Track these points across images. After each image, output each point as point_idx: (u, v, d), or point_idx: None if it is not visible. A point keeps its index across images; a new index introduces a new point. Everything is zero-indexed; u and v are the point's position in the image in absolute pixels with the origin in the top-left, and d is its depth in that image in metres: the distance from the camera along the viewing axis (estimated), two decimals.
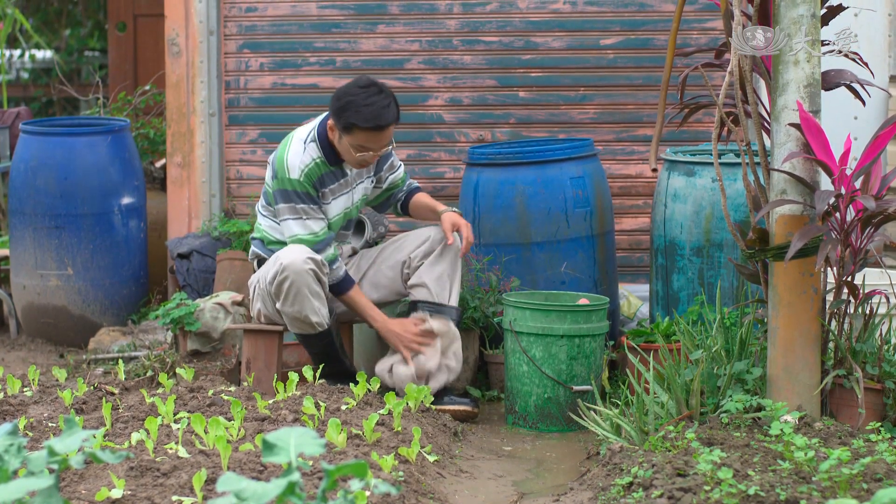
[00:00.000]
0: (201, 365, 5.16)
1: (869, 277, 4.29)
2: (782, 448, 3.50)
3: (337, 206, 4.74)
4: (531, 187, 5.21)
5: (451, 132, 6.11)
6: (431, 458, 3.98)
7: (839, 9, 3.97)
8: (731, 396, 3.95)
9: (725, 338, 4.20)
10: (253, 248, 4.88)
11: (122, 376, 4.85)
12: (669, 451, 3.66)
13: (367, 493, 3.22)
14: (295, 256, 4.53)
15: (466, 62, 6.08)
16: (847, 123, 5.24)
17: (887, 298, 4.09)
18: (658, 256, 5.13)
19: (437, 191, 5.91)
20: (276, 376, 4.64)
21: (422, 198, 4.98)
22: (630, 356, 4.37)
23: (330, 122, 4.63)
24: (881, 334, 4.08)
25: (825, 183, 3.93)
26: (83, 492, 3.29)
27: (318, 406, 4.18)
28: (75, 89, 8.52)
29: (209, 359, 5.30)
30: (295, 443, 2.23)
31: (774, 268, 3.87)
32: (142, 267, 6.17)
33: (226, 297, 5.46)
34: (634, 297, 5.69)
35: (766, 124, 4.02)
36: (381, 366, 4.77)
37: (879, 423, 3.75)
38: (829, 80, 3.98)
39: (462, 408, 4.71)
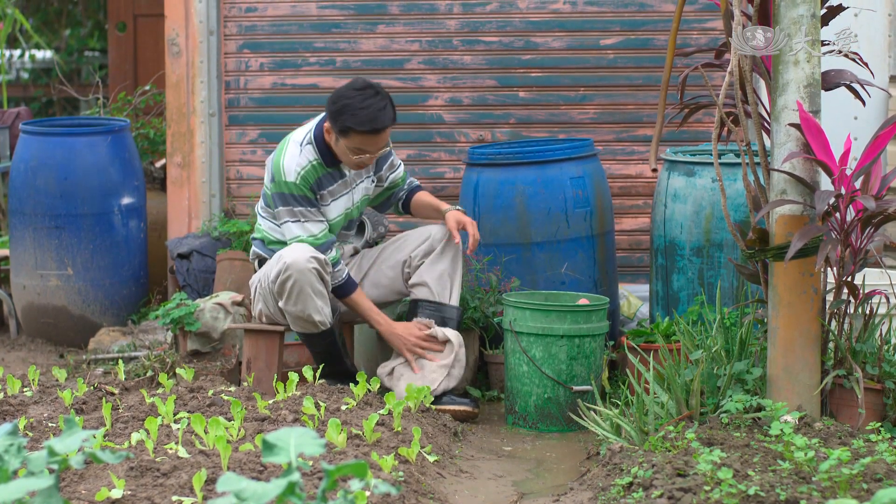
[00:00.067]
0: (201, 365, 5.16)
1: (869, 277, 4.29)
2: (782, 448, 3.50)
3: (337, 208, 4.74)
4: (531, 187, 5.21)
5: (451, 132, 6.11)
6: (431, 459, 3.98)
7: (839, 9, 3.97)
8: (731, 396, 3.95)
9: (725, 338, 4.20)
10: (254, 249, 4.88)
11: (122, 376, 4.85)
12: (669, 451, 3.66)
13: (367, 494, 3.22)
14: (298, 255, 4.53)
15: (466, 62, 6.08)
16: (847, 123, 5.24)
17: (887, 298, 4.09)
18: (658, 256, 5.13)
19: (437, 191, 5.91)
20: (276, 376, 4.64)
21: (424, 196, 4.98)
22: (630, 356, 4.37)
23: (326, 124, 4.62)
24: (881, 334, 4.08)
25: (825, 183, 3.93)
26: (83, 492, 3.29)
27: (318, 406, 4.18)
28: (75, 89, 8.52)
29: (209, 359, 5.30)
30: (295, 443, 2.23)
31: (774, 268, 3.87)
32: (142, 267, 6.17)
33: (226, 297, 5.46)
34: (634, 298, 5.69)
35: (766, 124, 4.02)
36: (383, 369, 4.77)
37: (879, 424, 3.75)
38: (829, 81, 3.98)
39: (462, 408, 4.71)
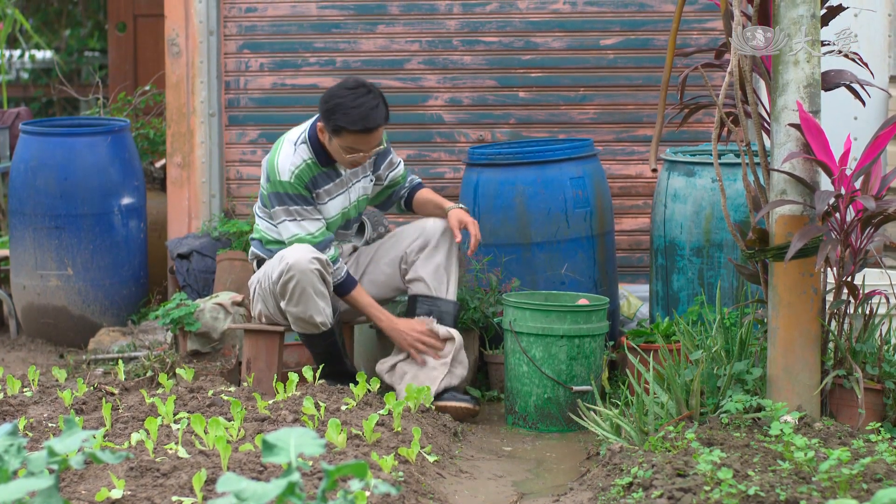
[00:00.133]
0: (201, 365, 5.16)
1: (869, 278, 4.29)
2: (782, 448, 3.50)
3: (334, 207, 4.74)
4: (531, 187, 5.21)
5: (451, 132, 6.11)
6: (431, 459, 3.98)
7: (839, 9, 3.97)
8: (730, 397, 3.95)
9: (725, 338, 4.20)
10: (252, 249, 4.88)
11: (121, 377, 4.85)
12: (669, 451, 3.66)
13: (367, 494, 3.22)
14: (300, 256, 4.53)
15: (466, 62, 6.08)
16: (847, 124, 5.24)
17: (887, 299, 4.09)
18: (658, 257, 5.13)
19: (437, 191, 5.90)
20: (276, 376, 4.64)
21: (426, 194, 4.97)
22: (630, 356, 4.37)
23: (320, 124, 4.62)
24: (881, 334, 4.08)
25: (825, 183, 3.93)
26: (83, 492, 3.29)
27: (317, 406, 4.18)
28: (75, 89, 8.52)
29: (209, 359, 5.30)
30: (295, 443, 2.23)
31: (774, 268, 3.87)
32: (142, 267, 6.17)
33: (226, 297, 5.46)
34: (634, 298, 5.69)
35: (765, 124, 4.02)
36: (382, 365, 4.77)
37: (879, 424, 3.75)
38: (829, 81, 3.98)
39: (463, 405, 4.70)
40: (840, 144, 3.89)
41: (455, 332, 4.74)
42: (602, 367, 4.76)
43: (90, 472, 3.46)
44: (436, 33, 6.10)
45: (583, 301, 4.86)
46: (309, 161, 4.65)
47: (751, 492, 3.14)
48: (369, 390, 4.47)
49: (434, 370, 4.70)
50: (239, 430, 3.84)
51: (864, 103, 4.11)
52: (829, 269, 3.92)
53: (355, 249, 4.98)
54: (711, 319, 4.42)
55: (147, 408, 4.20)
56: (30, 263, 6.03)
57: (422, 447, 4.00)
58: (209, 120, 6.20)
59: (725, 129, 4.15)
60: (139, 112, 7.41)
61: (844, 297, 3.93)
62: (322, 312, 4.59)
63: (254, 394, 4.31)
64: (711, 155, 4.54)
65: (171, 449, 3.66)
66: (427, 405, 4.50)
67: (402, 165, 4.97)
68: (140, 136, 7.10)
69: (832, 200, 3.78)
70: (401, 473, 3.60)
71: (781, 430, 3.66)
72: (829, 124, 4.01)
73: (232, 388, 4.52)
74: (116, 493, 3.23)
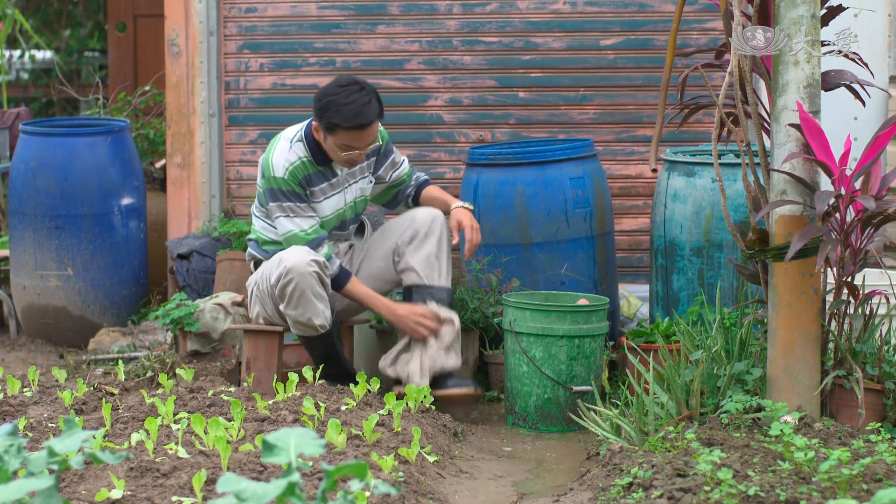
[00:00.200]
0: (201, 365, 5.16)
1: (869, 278, 4.29)
2: (782, 448, 3.50)
3: (328, 206, 4.73)
4: (531, 188, 5.21)
5: (451, 132, 6.11)
6: (431, 459, 3.98)
7: (839, 9, 3.97)
8: (730, 397, 3.95)
9: (725, 338, 4.20)
10: (249, 250, 4.88)
11: (121, 377, 4.85)
12: (669, 451, 3.66)
13: (367, 494, 3.22)
14: (298, 259, 4.52)
15: (466, 62, 6.08)
16: (847, 124, 5.24)
17: (887, 299, 4.09)
18: (658, 257, 5.13)
19: None
20: (276, 377, 4.64)
21: (433, 191, 4.96)
22: (630, 356, 4.37)
23: (315, 123, 4.63)
24: (881, 335, 4.08)
25: (825, 183, 3.93)
26: (83, 492, 3.29)
27: (317, 406, 4.18)
28: (75, 90, 8.52)
29: (209, 359, 5.30)
30: (295, 443, 2.23)
31: (774, 268, 3.87)
32: (142, 267, 6.17)
33: (226, 297, 5.46)
34: (634, 298, 5.69)
35: (765, 125, 4.02)
36: (385, 360, 4.75)
37: (879, 424, 3.75)
38: (829, 81, 3.98)
39: (465, 391, 4.68)
40: (840, 144, 3.89)
41: (454, 315, 4.72)
42: (602, 368, 4.76)
43: (90, 473, 3.46)
44: (436, 33, 6.10)
45: (583, 301, 4.86)
46: (304, 159, 4.65)
47: (751, 492, 3.14)
48: (369, 390, 4.47)
49: (437, 352, 4.67)
50: (239, 431, 3.84)
51: (864, 103, 4.11)
52: (829, 269, 3.92)
53: (351, 247, 4.97)
54: (711, 320, 4.42)
55: (147, 408, 4.20)
56: (30, 264, 6.03)
57: (422, 447, 4.00)
58: (209, 120, 6.20)
59: (725, 129, 4.15)
60: (139, 112, 7.41)
61: (844, 297, 3.93)
62: (321, 315, 4.58)
63: (254, 394, 4.31)
64: (711, 155, 4.54)
65: (171, 449, 3.66)
66: (427, 405, 4.50)
67: (406, 164, 4.96)
68: (140, 137, 7.10)
69: (832, 201, 3.78)
70: (401, 474, 3.60)
71: (781, 430, 3.66)
72: (829, 124, 4.01)
73: (232, 389, 4.52)
74: (116, 494, 3.23)
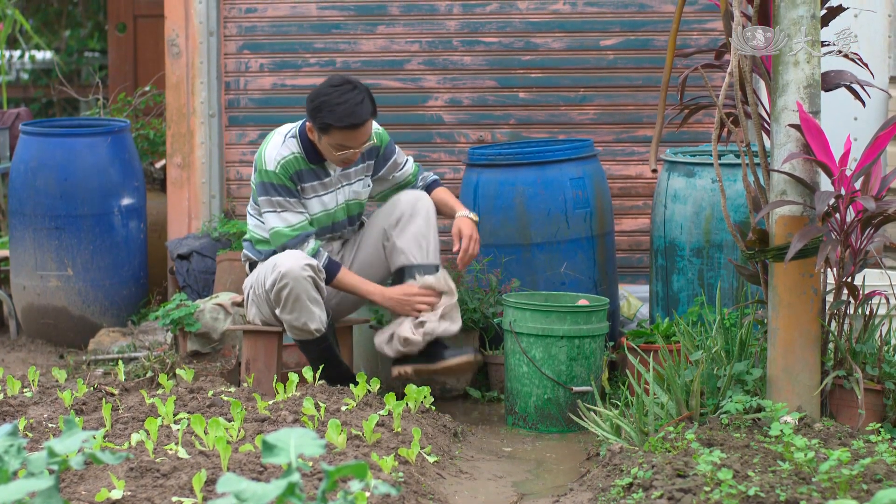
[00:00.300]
0: (201, 366, 5.16)
1: (869, 278, 4.29)
2: (782, 449, 3.50)
3: (317, 205, 4.72)
4: (531, 188, 5.21)
5: (451, 133, 6.11)
6: (431, 459, 3.98)
7: (839, 10, 3.97)
8: (730, 397, 3.94)
9: (725, 339, 4.20)
10: (244, 250, 4.87)
11: (121, 377, 4.85)
12: (669, 451, 3.66)
13: (367, 494, 3.22)
14: (293, 263, 4.52)
15: (466, 63, 6.08)
16: (847, 124, 5.24)
17: (887, 299, 4.09)
18: (658, 257, 5.13)
19: None
20: (275, 377, 4.64)
21: (440, 195, 4.93)
22: (630, 357, 4.37)
23: (309, 123, 4.63)
24: (881, 335, 4.08)
25: (825, 184, 3.93)
26: (83, 493, 3.29)
27: (317, 407, 4.18)
28: (75, 90, 8.51)
29: (209, 359, 5.30)
30: (295, 444, 2.23)
31: (774, 269, 3.87)
32: (142, 268, 6.17)
33: (226, 297, 5.46)
34: (634, 298, 5.69)
35: (765, 125, 4.02)
36: (381, 336, 4.73)
37: (879, 424, 3.75)
38: (829, 81, 3.98)
39: (463, 359, 4.65)
40: (840, 145, 3.89)
41: (451, 285, 4.69)
42: (602, 368, 4.76)
43: (90, 473, 3.46)
44: (436, 34, 6.10)
45: (583, 302, 4.86)
46: (297, 154, 4.65)
47: (751, 492, 3.14)
48: (369, 391, 4.47)
49: (433, 322, 4.65)
50: (239, 431, 3.84)
51: (864, 104, 4.11)
52: (829, 269, 3.92)
53: (344, 244, 4.95)
54: (711, 320, 4.42)
55: (147, 408, 4.20)
56: (30, 264, 6.03)
57: (422, 448, 4.00)
58: (209, 120, 6.20)
59: (725, 129, 4.15)
60: (139, 113, 7.41)
61: (844, 297, 3.93)
62: (316, 319, 4.58)
63: (254, 394, 4.31)
64: (711, 155, 4.54)
65: (171, 449, 3.66)
66: (427, 405, 4.49)
67: (410, 164, 4.95)
68: (140, 137, 7.10)
69: (832, 201, 3.77)
70: (401, 474, 3.60)
71: (781, 430, 3.66)
72: (829, 125, 4.01)
73: (232, 389, 4.52)
74: (116, 494, 3.23)
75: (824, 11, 3.92)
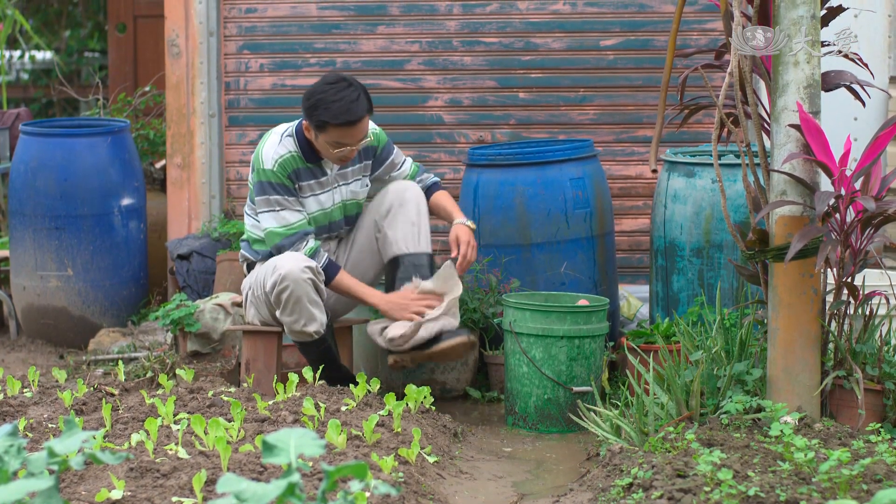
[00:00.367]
0: (201, 366, 5.16)
1: (869, 278, 4.29)
2: (782, 449, 3.50)
3: (314, 204, 4.72)
4: (531, 188, 5.21)
5: (451, 133, 6.11)
6: (431, 460, 3.98)
7: (839, 10, 3.97)
8: (731, 397, 3.94)
9: (725, 339, 4.20)
10: (241, 251, 4.87)
11: (121, 377, 4.85)
12: (669, 452, 3.66)
13: (367, 494, 3.22)
14: (293, 265, 4.52)
15: (466, 63, 6.08)
16: (847, 124, 5.24)
17: (887, 299, 4.09)
18: (658, 257, 5.13)
19: None
20: (275, 377, 4.64)
21: (440, 199, 4.92)
22: (630, 357, 4.37)
23: (305, 122, 4.63)
24: (881, 335, 4.08)
25: (825, 184, 3.93)
26: (83, 493, 3.29)
27: (317, 407, 4.18)
28: (75, 90, 8.52)
29: (209, 360, 5.30)
30: (295, 444, 2.23)
31: (774, 269, 3.87)
32: (142, 268, 6.17)
33: (226, 298, 5.46)
34: (634, 298, 5.69)
35: (765, 125, 4.02)
36: (374, 326, 4.72)
37: (879, 424, 3.75)
38: (829, 81, 3.98)
39: (457, 340, 4.62)
40: (840, 145, 3.89)
41: (455, 280, 4.67)
42: (602, 368, 4.76)
43: (90, 473, 3.46)
44: (436, 34, 6.10)
45: (583, 302, 4.86)
46: (294, 153, 4.65)
47: (751, 492, 3.14)
48: (369, 391, 4.47)
49: (431, 321, 4.64)
50: (239, 431, 3.84)
51: (864, 104, 4.11)
52: (829, 269, 3.92)
53: (340, 242, 4.94)
54: (711, 320, 4.42)
55: (147, 408, 4.20)
56: (30, 264, 6.03)
57: (422, 448, 4.00)
58: (209, 121, 6.20)
59: (725, 129, 4.15)
60: (139, 113, 7.41)
61: (844, 297, 3.93)
62: (316, 321, 4.58)
63: (254, 394, 4.31)
64: (711, 156, 4.54)
65: (171, 449, 3.66)
66: (427, 406, 4.50)
67: (408, 164, 4.95)
68: (140, 137, 7.10)
69: (832, 201, 3.78)
70: (401, 474, 3.60)
71: (781, 430, 3.66)
72: (829, 125, 4.01)
73: (232, 389, 4.52)
74: (116, 494, 3.23)
75: (824, 11, 3.92)
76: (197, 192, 6.20)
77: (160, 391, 4.51)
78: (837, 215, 3.83)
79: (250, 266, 4.83)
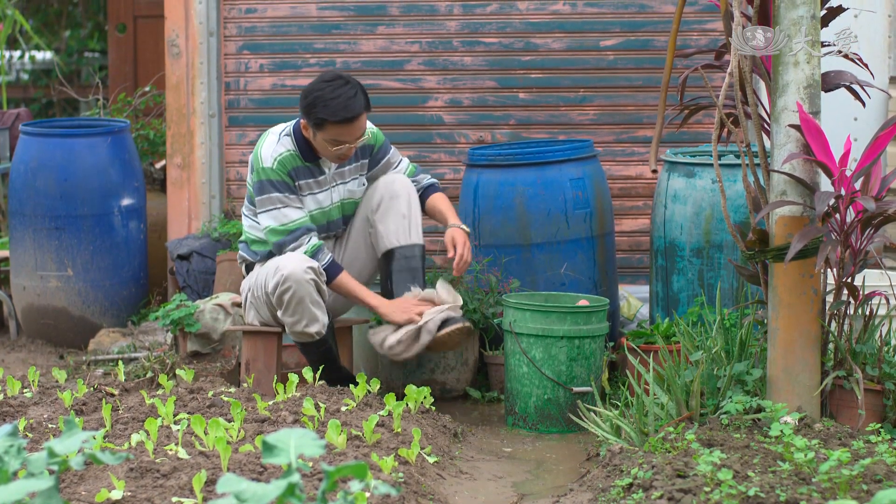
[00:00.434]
0: (201, 366, 5.16)
1: (869, 279, 4.29)
2: (782, 449, 3.50)
3: (311, 203, 4.73)
4: (531, 188, 5.21)
5: (451, 133, 6.11)
6: (431, 460, 3.98)
7: (839, 10, 3.97)
8: (731, 398, 3.94)
9: (725, 339, 4.20)
10: (239, 252, 4.87)
11: (121, 377, 4.85)
12: (669, 452, 3.66)
13: (367, 495, 3.22)
14: (295, 266, 4.52)
15: (466, 63, 6.08)
16: (847, 124, 5.24)
17: (887, 300, 4.09)
18: (658, 258, 5.13)
19: None
20: (275, 377, 4.64)
21: (437, 202, 4.92)
22: (630, 357, 4.37)
23: (303, 121, 4.64)
24: (881, 335, 4.08)
25: (825, 184, 3.93)
26: (83, 493, 3.29)
27: (317, 407, 4.18)
28: (75, 90, 8.52)
29: (209, 360, 5.30)
30: (295, 444, 2.23)
31: (774, 269, 3.87)
32: (142, 268, 6.17)
33: (226, 298, 5.46)
34: (634, 299, 5.69)
35: (765, 125, 4.02)
36: (375, 337, 4.71)
37: (879, 425, 3.75)
38: (829, 82, 3.98)
39: (454, 328, 4.61)
40: (840, 145, 3.89)
41: (455, 295, 4.68)
42: (602, 368, 4.76)
43: (90, 473, 3.46)
44: (436, 34, 6.10)
45: (583, 302, 4.86)
46: (292, 152, 4.66)
47: (751, 493, 3.14)
48: (369, 391, 4.47)
49: (432, 314, 4.64)
50: (239, 431, 3.84)
51: (864, 104, 4.11)
52: (829, 269, 3.92)
53: (336, 240, 4.94)
54: (711, 320, 4.42)
55: (147, 409, 4.20)
56: (30, 264, 6.03)
57: (422, 448, 4.00)
58: (209, 121, 6.20)
59: (725, 130, 4.15)
60: (139, 113, 7.41)
61: (844, 298, 3.93)
62: (318, 321, 4.58)
63: (254, 395, 4.31)
64: (711, 156, 4.54)
65: (171, 450, 3.66)
66: (427, 406, 4.50)
67: (404, 164, 4.95)
68: (140, 137, 7.10)
69: (832, 201, 3.78)
70: (401, 474, 3.60)
71: (781, 430, 3.66)
72: (829, 125, 4.01)
73: (232, 389, 4.52)
74: (116, 494, 3.23)
75: (824, 12, 3.92)
76: (197, 192, 6.20)
77: (160, 391, 4.51)
78: (837, 215, 3.83)
79: (249, 267, 4.83)
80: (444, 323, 4.65)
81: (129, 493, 3.26)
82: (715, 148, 4.04)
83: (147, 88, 7.50)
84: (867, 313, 4.01)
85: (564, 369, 4.67)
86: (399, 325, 4.64)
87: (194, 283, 5.93)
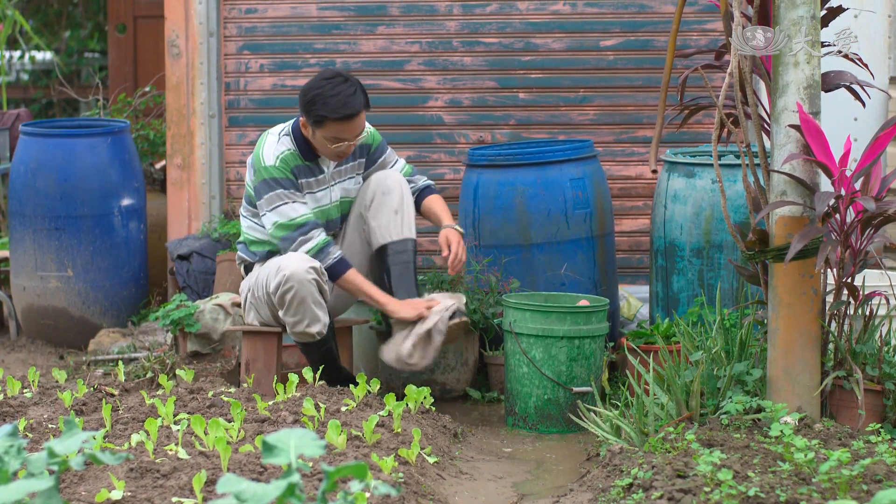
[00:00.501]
0: (201, 366, 5.16)
1: (869, 279, 4.29)
2: (782, 449, 3.50)
3: (311, 202, 4.73)
4: (531, 189, 5.21)
5: (451, 133, 6.11)
6: (431, 460, 3.98)
7: (839, 10, 3.97)
8: (731, 398, 3.95)
9: (725, 339, 4.20)
10: (238, 252, 4.87)
11: (121, 378, 4.85)
12: (669, 452, 3.66)
13: (367, 495, 3.22)
14: (297, 266, 4.51)
15: (466, 63, 6.08)
16: (847, 125, 5.25)
17: (887, 300, 4.09)
18: (658, 258, 5.13)
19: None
20: (275, 378, 4.64)
21: (432, 204, 4.92)
22: (630, 357, 4.37)
23: (302, 119, 4.64)
24: (881, 336, 4.08)
25: (825, 184, 3.93)
26: (83, 493, 3.29)
27: (317, 407, 4.18)
28: (75, 91, 8.52)
29: (209, 360, 5.30)
30: (295, 444, 2.23)
31: (774, 269, 3.87)
32: (142, 268, 6.17)
33: (226, 298, 5.46)
34: (634, 299, 5.69)
35: (765, 126, 4.02)
36: (390, 355, 4.70)
37: (879, 425, 3.75)
38: (829, 82, 3.98)
39: (458, 320, 4.62)
40: (840, 145, 3.89)
41: (458, 300, 4.69)
42: (602, 369, 4.76)
43: (90, 473, 3.46)
44: (436, 34, 6.10)
45: (583, 302, 4.86)
46: (292, 150, 4.67)
47: (751, 493, 3.14)
48: (369, 391, 4.47)
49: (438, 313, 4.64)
50: (239, 431, 3.84)
51: (864, 104, 4.11)
52: (829, 270, 3.92)
53: (335, 238, 4.95)
54: (711, 320, 4.42)
55: (147, 409, 4.20)
56: (30, 265, 6.03)
57: (422, 448, 4.00)
58: (209, 121, 6.20)
59: (725, 130, 4.15)
60: (139, 113, 7.41)
61: (844, 298, 3.93)
62: (319, 322, 4.58)
63: (254, 395, 4.31)
64: (711, 156, 4.54)
65: (171, 450, 3.66)
66: (427, 406, 4.50)
67: (400, 164, 4.95)
68: (140, 138, 7.10)
69: (832, 202, 3.78)
70: (401, 475, 3.60)
71: (781, 431, 3.66)
72: (829, 125, 4.01)
73: (232, 389, 4.52)
74: (116, 494, 3.23)
75: (824, 12, 3.92)
76: (197, 192, 6.20)
77: (160, 391, 4.51)
78: (837, 216, 3.83)
79: (248, 268, 4.83)
80: (452, 315, 4.66)
81: (129, 494, 3.26)
82: (715, 148, 4.04)
83: (147, 89, 7.50)
84: (867, 313, 4.01)
85: (564, 369, 4.67)
86: (406, 324, 4.64)
87: (194, 284, 5.93)
